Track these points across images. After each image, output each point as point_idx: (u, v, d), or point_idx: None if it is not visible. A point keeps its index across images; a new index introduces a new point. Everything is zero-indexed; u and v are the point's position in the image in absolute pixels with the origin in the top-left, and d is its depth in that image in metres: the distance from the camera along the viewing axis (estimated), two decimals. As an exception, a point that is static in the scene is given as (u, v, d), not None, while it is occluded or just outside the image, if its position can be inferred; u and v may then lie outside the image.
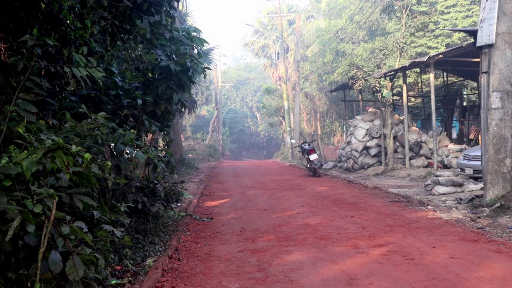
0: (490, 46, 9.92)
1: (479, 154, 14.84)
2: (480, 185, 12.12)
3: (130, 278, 5.47)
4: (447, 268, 5.78)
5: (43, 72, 5.57)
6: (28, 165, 3.56)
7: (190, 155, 34.57)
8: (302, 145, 22.17)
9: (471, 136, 23.70)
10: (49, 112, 6.07)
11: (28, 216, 3.40)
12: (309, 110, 44.40)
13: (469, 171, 15.04)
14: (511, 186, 9.87)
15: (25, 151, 3.73)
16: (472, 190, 12.40)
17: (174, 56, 8.49)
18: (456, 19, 24.64)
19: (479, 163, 14.41)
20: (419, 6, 24.62)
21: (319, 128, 41.71)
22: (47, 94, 5.54)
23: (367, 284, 5.23)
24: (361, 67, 23.35)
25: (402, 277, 5.44)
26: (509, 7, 9.72)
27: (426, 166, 19.24)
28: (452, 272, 5.59)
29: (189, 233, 8.41)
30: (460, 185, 12.79)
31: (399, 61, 22.38)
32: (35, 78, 4.77)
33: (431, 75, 18.23)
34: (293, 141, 32.69)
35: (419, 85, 25.95)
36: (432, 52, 20.17)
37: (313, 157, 20.30)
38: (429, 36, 25.07)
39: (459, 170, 15.49)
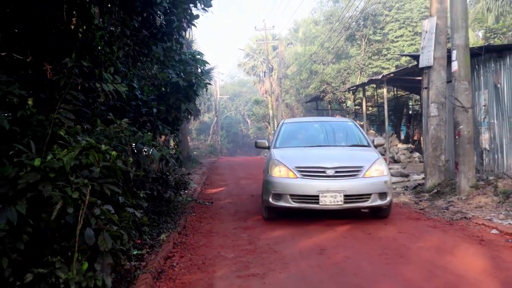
0: (429, 67, 10.06)
1: None
2: (421, 175, 12.24)
3: (148, 250, 5.48)
4: (396, 240, 5.86)
5: (79, 87, 5.57)
6: (68, 161, 3.57)
7: (195, 152, 34.42)
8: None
9: (415, 137, 23.79)
10: (84, 119, 6.04)
11: (68, 201, 3.41)
12: (289, 117, 44.38)
13: None
14: (445, 176, 10.01)
15: (66, 150, 3.73)
16: (416, 180, 12.52)
17: (182, 74, 8.50)
18: (403, 46, 24.87)
19: None
20: (375, 35, 24.81)
21: (296, 131, 41.62)
22: (82, 105, 5.53)
23: (335, 254, 5.28)
24: (330, 83, 23.49)
25: (361, 248, 5.51)
26: (442, 38, 9.97)
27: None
28: (400, 243, 5.67)
29: (194, 214, 8.42)
30: (407, 176, 12.92)
31: (359, 79, 22.54)
32: (73, 92, 4.76)
33: (385, 90, 18.37)
34: (276, 141, 32.44)
35: (375, 97, 26.03)
36: (385, 72, 20.28)
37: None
38: (382, 59, 25.25)
39: None
